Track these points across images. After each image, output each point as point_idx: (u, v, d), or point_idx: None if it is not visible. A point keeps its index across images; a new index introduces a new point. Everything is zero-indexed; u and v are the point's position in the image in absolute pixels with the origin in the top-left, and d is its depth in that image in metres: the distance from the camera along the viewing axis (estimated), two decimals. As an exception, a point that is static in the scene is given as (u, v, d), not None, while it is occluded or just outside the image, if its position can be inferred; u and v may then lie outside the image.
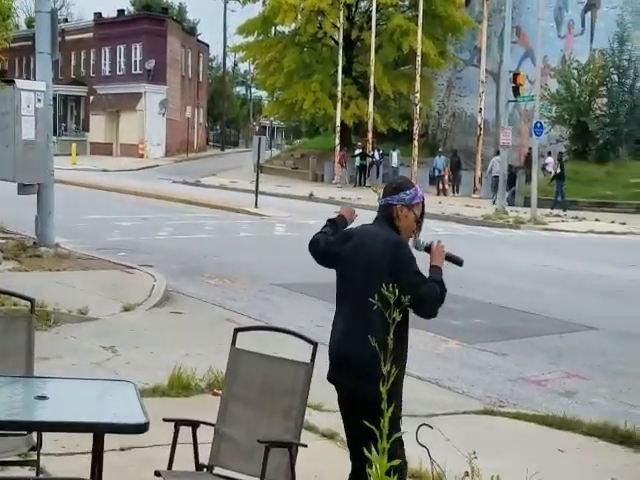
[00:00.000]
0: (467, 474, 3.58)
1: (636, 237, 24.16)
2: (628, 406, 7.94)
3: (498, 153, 34.22)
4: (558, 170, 31.72)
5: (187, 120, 59.45)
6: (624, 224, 26.13)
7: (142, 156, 56.38)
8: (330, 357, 4.21)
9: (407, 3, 44.77)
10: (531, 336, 10.71)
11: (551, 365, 9.33)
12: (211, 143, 76.38)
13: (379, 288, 3.67)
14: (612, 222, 26.51)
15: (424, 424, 3.74)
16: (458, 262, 4.41)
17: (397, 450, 3.68)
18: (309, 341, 4.04)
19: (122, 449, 5.59)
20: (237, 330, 4.30)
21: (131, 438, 5.04)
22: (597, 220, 27.01)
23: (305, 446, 3.99)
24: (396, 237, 4.21)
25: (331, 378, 4.23)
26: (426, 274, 4.21)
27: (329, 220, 4.58)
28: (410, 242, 4.30)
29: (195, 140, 65.52)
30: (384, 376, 3.08)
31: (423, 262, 4.32)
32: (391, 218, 4.27)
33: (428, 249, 4.31)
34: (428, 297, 4.07)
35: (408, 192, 4.27)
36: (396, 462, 2.97)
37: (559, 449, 6.42)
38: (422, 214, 4.34)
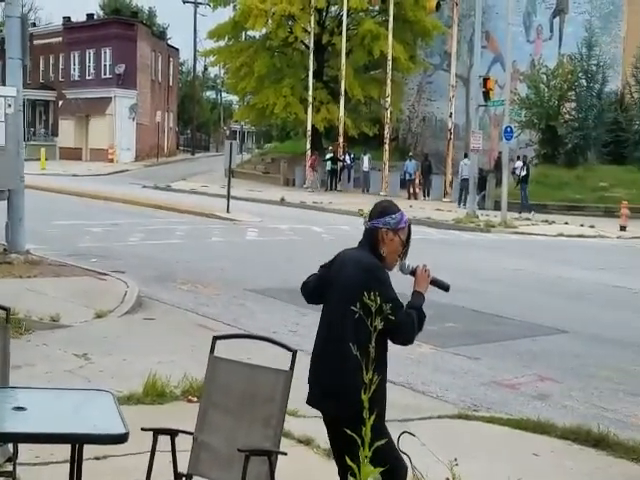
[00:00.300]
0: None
1: (605, 240, 24.43)
2: (600, 409, 8.02)
3: (466, 156, 34.49)
4: (523, 173, 32.02)
5: (157, 124, 59.22)
6: (593, 227, 26.41)
7: (112, 161, 56.06)
8: (308, 381, 4.24)
9: (377, 8, 44.92)
10: (504, 340, 10.78)
11: (524, 368, 9.40)
12: (181, 147, 76.08)
13: (351, 312, 3.72)
14: (581, 225, 26.78)
15: (406, 432, 3.76)
16: (444, 287, 4.39)
17: (385, 459, 3.70)
18: (288, 349, 4.04)
19: (97, 458, 5.54)
20: (216, 338, 4.29)
21: (106, 447, 5.01)
22: (567, 223, 27.28)
23: (285, 454, 3.99)
24: (370, 261, 4.17)
25: (310, 403, 4.27)
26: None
27: (321, 266, 4.52)
28: (396, 266, 4.28)
29: (165, 144, 65.26)
30: (360, 401, 3.17)
31: (408, 285, 4.34)
32: (375, 242, 4.22)
33: (413, 273, 4.29)
34: (403, 324, 4.04)
35: (394, 216, 4.24)
36: (378, 470, 2.98)
37: (534, 453, 6.47)
38: (408, 238, 4.30)
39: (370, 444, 3.16)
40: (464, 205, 32.30)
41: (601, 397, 8.42)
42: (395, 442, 3.80)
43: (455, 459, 3.57)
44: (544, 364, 9.59)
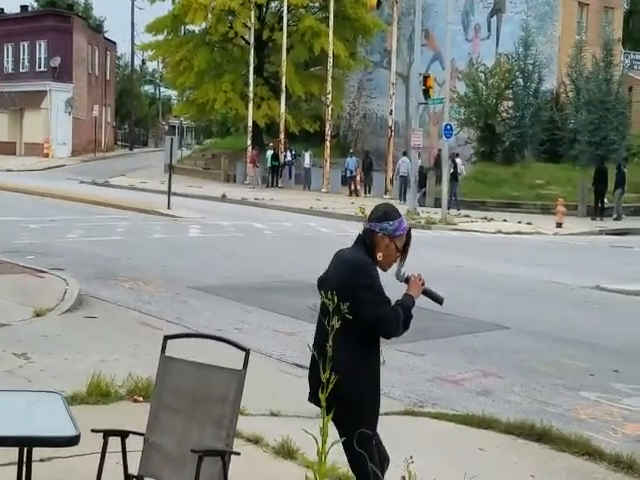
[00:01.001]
0: (404, 479, 3.61)
1: (542, 237, 24.86)
2: (542, 403, 8.16)
3: (405, 154, 34.76)
4: (451, 170, 32.40)
5: (94, 119, 58.37)
6: (530, 224, 26.85)
7: (47, 156, 55.05)
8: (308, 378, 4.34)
9: (318, 4, 45.00)
10: (447, 336, 10.89)
11: (467, 364, 9.50)
12: (119, 143, 75.11)
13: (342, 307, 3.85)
14: (519, 222, 27.20)
15: (363, 430, 3.76)
16: (437, 300, 4.42)
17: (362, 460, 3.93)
18: (242, 348, 4.00)
19: (42, 460, 5.42)
20: (167, 337, 4.23)
21: (50, 449, 4.91)
22: (505, 220, 27.67)
23: (238, 454, 3.96)
24: (361, 259, 4.21)
25: (310, 400, 4.33)
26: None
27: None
28: (392, 271, 4.33)
29: (103, 139, 64.35)
30: (349, 392, 3.59)
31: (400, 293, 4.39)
32: (372, 244, 4.25)
33: (407, 280, 4.33)
34: (387, 318, 4.12)
35: (392, 222, 4.26)
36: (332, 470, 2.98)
37: (480, 448, 6.54)
38: (407, 244, 4.33)
39: (348, 443, 3.54)
40: (404, 201, 32.55)
41: (542, 392, 8.56)
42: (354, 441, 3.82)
43: (411, 457, 3.59)
44: (487, 360, 9.71)
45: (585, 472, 6.26)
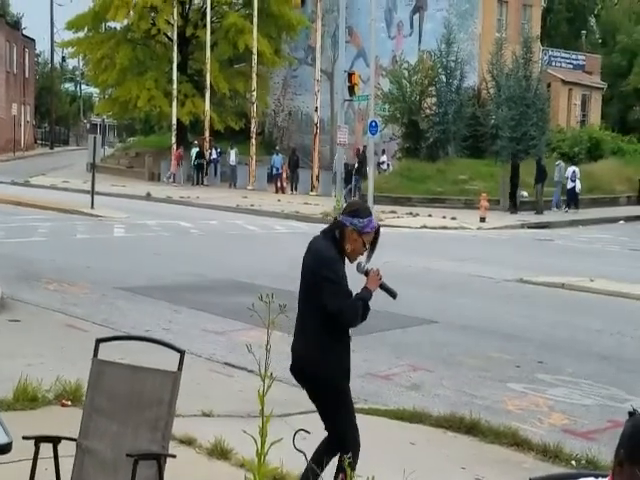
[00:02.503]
0: (344, 477, 3.63)
1: (466, 232, 25.25)
2: (471, 396, 8.30)
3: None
4: (356, 165, 32.80)
5: (13, 118, 57.02)
6: (455, 219, 27.23)
7: (-36, 155, 53.57)
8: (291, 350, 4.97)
9: (241, 1, 44.76)
10: (375, 332, 10.93)
11: (397, 359, 9.61)
12: (39, 142, 73.44)
13: (310, 298, 4.57)
14: (444, 217, 27.57)
15: (302, 429, 3.77)
16: (392, 294, 4.84)
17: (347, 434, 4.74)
18: (177, 350, 3.97)
19: (-34, 469, 5.28)
20: (99, 340, 4.17)
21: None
22: (430, 216, 28.01)
23: (174, 456, 3.92)
24: (328, 254, 4.63)
25: (291, 370, 4.95)
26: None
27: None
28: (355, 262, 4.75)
29: (22, 138, 62.84)
30: (319, 368, 4.43)
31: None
32: (341, 236, 4.66)
33: (367, 273, 4.72)
34: (347, 310, 4.58)
35: (362, 220, 4.67)
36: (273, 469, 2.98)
37: (411, 442, 6.63)
38: (375, 241, 4.73)
39: (328, 413, 4.57)
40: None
41: (470, 385, 8.71)
42: (291, 440, 3.82)
43: (349, 455, 3.61)
44: (416, 354, 9.84)
45: (514, 462, 6.39)
